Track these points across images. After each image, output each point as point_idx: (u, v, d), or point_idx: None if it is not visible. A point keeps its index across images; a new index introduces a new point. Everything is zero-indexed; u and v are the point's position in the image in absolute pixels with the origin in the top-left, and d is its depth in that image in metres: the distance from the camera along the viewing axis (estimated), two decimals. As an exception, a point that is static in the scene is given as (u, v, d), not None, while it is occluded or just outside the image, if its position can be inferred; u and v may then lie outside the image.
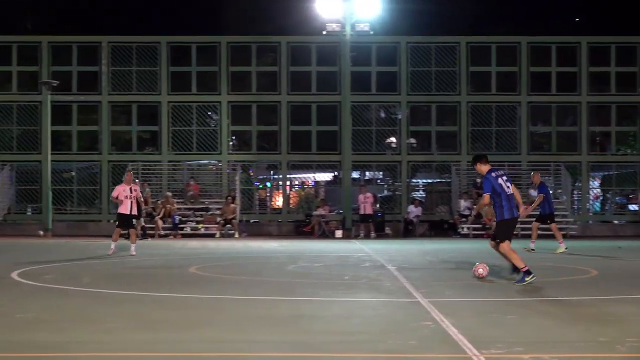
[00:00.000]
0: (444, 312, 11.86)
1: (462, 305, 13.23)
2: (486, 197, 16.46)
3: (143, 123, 46.84)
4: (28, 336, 10.11)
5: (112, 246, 25.11)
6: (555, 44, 46.10)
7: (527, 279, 16.04)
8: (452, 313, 11.79)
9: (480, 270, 16.82)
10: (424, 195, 47.40)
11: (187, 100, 45.76)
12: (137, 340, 9.91)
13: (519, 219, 17.02)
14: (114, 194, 25.49)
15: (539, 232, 28.56)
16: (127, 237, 26.31)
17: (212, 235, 39.89)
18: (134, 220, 25.60)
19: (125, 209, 25.16)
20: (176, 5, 65.17)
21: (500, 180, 16.40)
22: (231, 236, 39.71)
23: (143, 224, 37.02)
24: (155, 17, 63.18)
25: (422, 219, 43.05)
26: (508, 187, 16.44)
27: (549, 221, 28.23)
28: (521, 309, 12.72)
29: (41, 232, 40.63)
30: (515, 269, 16.59)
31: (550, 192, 28.91)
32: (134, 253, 24.96)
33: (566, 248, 27.10)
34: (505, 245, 16.39)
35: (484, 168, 16.69)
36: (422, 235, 41.56)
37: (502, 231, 16.60)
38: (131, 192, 25.19)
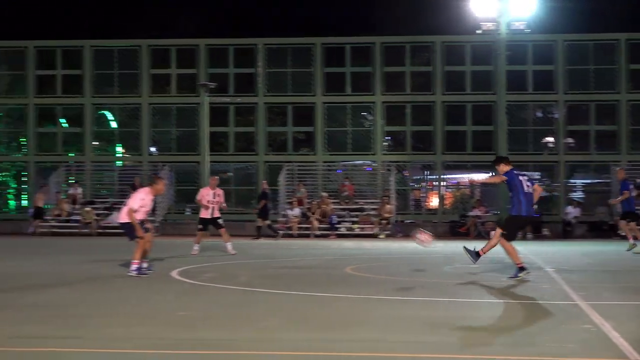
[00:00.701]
0: (605, 315, 11.57)
1: (622, 309, 12.91)
2: (498, 178, 17.39)
3: (298, 124, 47.37)
4: (191, 333, 10.31)
5: (195, 247, 25.29)
6: None
7: (520, 274, 16.93)
8: (612, 316, 11.49)
9: (422, 236, 17.98)
10: (582, 196, 46.45)
11: (342, 101, 46.04)
12: (293, 339, 9.98)
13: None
14: (198, 197, 25.69)
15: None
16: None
17: (367, 236, 40.01)
18: (219, 220, 25.56)
19: (206, 213, 25.37)
20: (330, 7, 65.64)
21: (520, 178, 17.17)
22: (386, 236, 39.74)
23: (269, 222, 37.43)
24: (310, 19, 63.79)
25: (581, 220, 42.23)
26: (528, 185, 17.11)
27: (626, 219, 27.53)
28: (686, 313, 12.32)
29: (199, 232, 41.40)
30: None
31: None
32: (233, 252, 25.08)
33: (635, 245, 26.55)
34: (505, 242, 17.11)
35: (505, 169, 17.41)
36: (581, 237, 40.75)
37: (510, 227, 17.41)
38: (214, 198, 25.34)
